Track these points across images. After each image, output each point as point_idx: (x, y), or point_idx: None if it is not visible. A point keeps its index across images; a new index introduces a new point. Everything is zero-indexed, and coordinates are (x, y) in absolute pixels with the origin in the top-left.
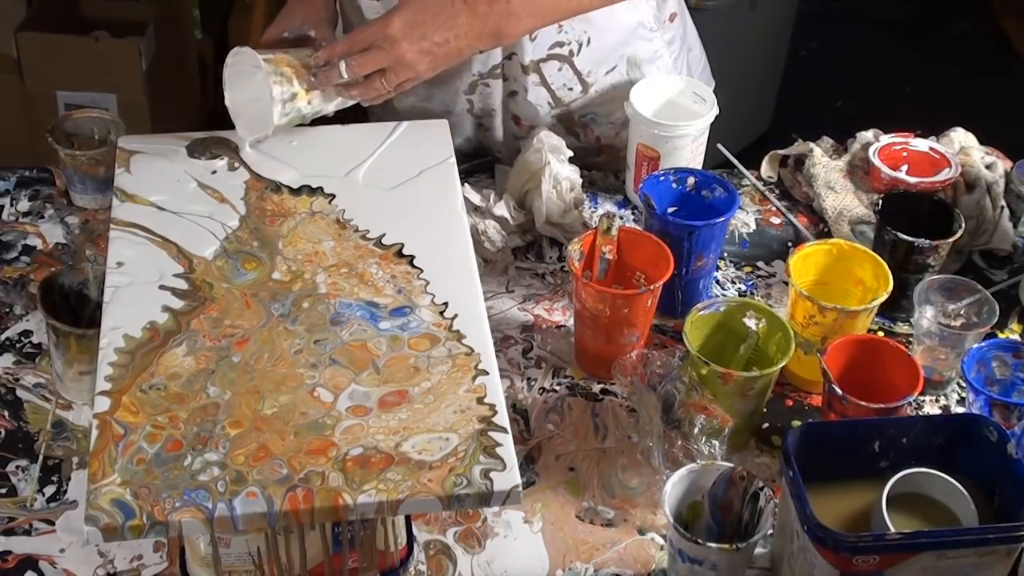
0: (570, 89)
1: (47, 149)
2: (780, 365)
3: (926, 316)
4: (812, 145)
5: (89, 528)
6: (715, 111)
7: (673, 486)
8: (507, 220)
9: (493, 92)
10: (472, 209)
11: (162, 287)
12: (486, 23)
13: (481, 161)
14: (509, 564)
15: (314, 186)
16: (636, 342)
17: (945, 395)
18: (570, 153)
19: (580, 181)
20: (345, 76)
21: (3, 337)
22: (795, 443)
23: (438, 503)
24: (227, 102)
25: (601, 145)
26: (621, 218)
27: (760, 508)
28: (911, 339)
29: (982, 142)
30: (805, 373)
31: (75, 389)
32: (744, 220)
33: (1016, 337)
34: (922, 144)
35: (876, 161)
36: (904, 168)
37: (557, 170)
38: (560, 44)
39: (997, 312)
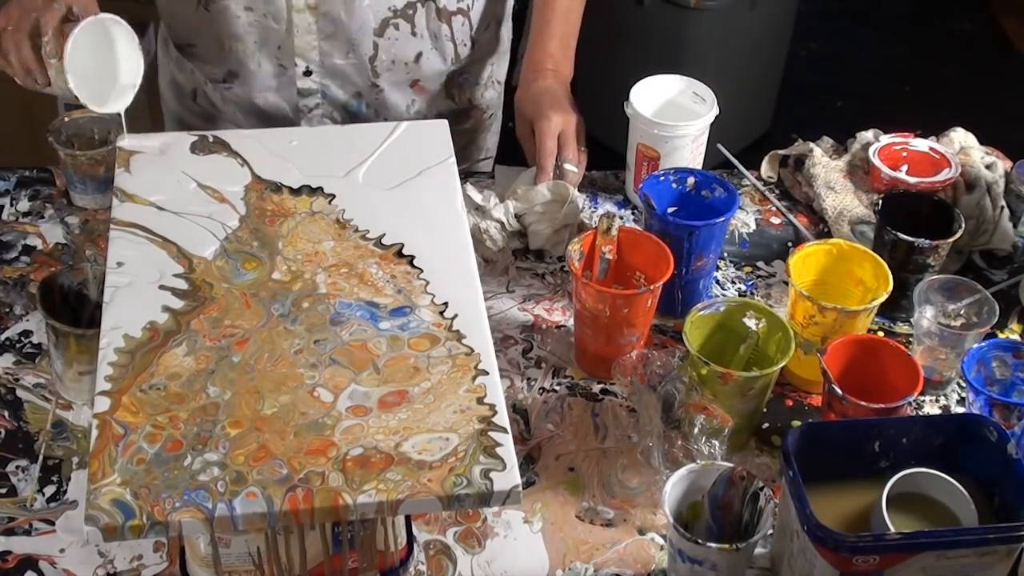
0: (464, 45)
1: (47, 149)
2: (780, 365)
3: (926, 316)
4: (812, 145)
5: (89, 528)
6: (715, 111)
7: (673, 486)
8: (504, 224)
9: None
10: (473, 209)
11: (162, 287)
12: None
13: (481, 161)
14: (509, 564)
15: (314, 186)
16: (636, 342)
17: (945, 395)
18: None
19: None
20: (576, 169)
21: (3, 337)
22: (795, 443)
23: (438, 503)
24: (71, 73)
25: (472, 107)
26: (621, 218)
27: (760, 508)
28: (911, 339)
29: (982, 142)
30: (805, 373)
31: (75, 389)
32: (744, 220)
33: (1016, 337)
34: (922, 144)
35: (876, 161)
36: (904, 168)
37: (572, 209)
38: None
39: (997, 312)
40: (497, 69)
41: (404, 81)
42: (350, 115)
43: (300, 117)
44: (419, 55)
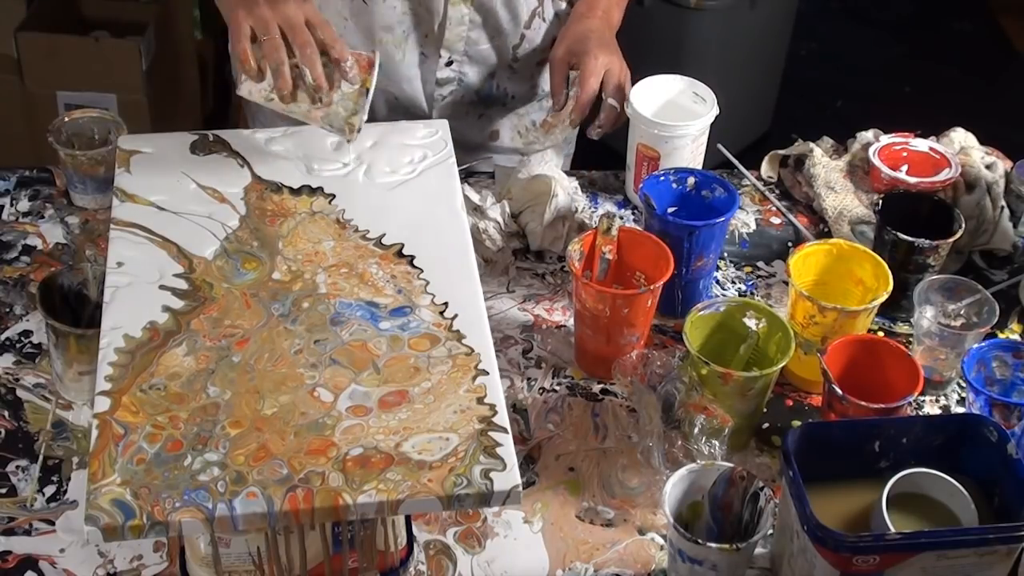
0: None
1: (47, 149)
2: (780, 365)
3: (926, 316)
4: (812, 145)
5: (89, 528)
6: (715, 111)
7: (673, 486)
8: (500, 224)
9: None
10: (472, 209)
11: (162, 287)
12: None
13: (481, 160)
14: (509, 564)
15: (314, 186)
16: (636, 342)
17: (945, 395)
18: (575, 184)
19: (577, 208)
20: (618, 106)
21: (3, 337)
22: (795, 443)
23: (438, 503)
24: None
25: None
26: (621, 218)
27: (760, 508)
28: (911, 339)
29: (982, 142)
30: (805, 373)
31: (75, 389)
32: (744, 220)
33: (1016, 337)
34: (922, 144)
35: (876, 161)
36: (904, 168)
37: (562, 202)
38: None
39: (997, 312)
40: None
41: (536, 61)
42: (480, 98)
43: (432, 107)
44: (553, 40)
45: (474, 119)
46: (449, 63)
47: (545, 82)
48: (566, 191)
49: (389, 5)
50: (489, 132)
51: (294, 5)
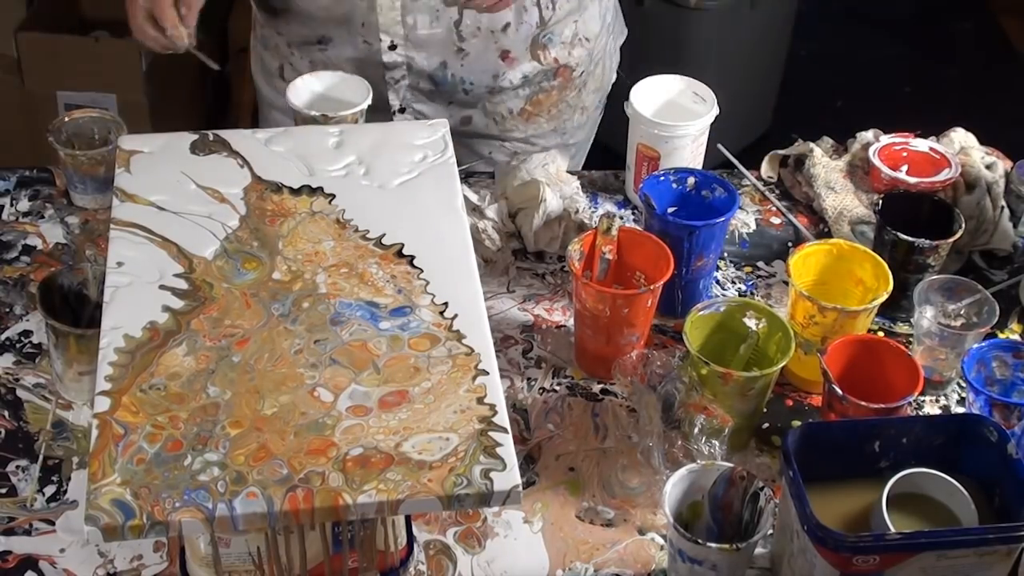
0: (548, 7)
1: (47, 149)
2: (780, 365)
3: (926, 316)
4: (812, 145)
5: (89, 528)
6: (715, 111)
7: (673, 486)
8: (498, 224)
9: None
10: (472, 209)
11: (162, 287)
12: None
13: (481, 161)
14: (509, 564)
15: (314, 186)
16: (636, 342)
17: (945, 395)
18: (575, 184)
19: (577, 208)
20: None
21: (3, 337)
22: (795, 443)
23: (438, 503)
24: None
25: (559, 67)
26: (621, 218)
27: (760, 508)
28: (911, 339)
29: (982, 142)
30: (805, 373)
31: (75, 389)
32: (744, 220)
33: (1016, 337)
34: (922, 144)
35: (876, 161)
36: (904, 168)
37: (552, 207)
38: None
39: (997, 312)
40: (582, 26)
41: (492, 50)
42: (435, 84)
43: (387, 88)
44: (506, 26)
45: (443, 105)
46: (392, 47)
47: (511, 75)
48: (556, 195)
49: (319, 5)
50: (460, 118)
51: None
